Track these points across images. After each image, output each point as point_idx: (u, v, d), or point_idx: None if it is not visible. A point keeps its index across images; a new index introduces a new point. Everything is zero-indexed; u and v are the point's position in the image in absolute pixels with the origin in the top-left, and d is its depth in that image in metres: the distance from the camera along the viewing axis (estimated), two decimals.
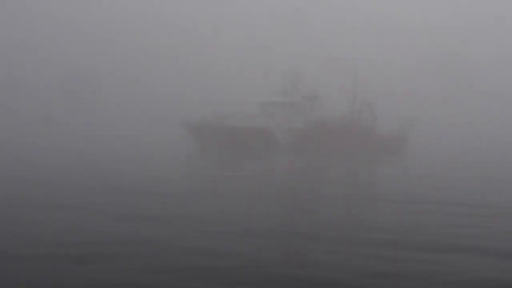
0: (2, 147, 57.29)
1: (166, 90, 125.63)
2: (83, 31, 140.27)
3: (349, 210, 19.11)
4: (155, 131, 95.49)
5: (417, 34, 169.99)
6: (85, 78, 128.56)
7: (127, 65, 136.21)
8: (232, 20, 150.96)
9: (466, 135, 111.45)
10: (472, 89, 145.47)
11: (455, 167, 42.56)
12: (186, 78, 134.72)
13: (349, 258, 12.13)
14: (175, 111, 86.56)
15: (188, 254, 12.18)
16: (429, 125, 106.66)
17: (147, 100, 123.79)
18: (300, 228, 15.37)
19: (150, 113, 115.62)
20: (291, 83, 68.22)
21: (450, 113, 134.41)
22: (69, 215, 16.62)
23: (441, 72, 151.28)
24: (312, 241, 13.79)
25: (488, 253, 12.94)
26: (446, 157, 55.79)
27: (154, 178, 28.15)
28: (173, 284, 10.11)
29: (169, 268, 11.08)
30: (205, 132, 65.83)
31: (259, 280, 10.35)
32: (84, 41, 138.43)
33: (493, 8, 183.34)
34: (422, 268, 11.47)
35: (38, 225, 15.04)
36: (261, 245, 13.08)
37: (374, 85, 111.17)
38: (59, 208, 17.66)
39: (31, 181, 25.63)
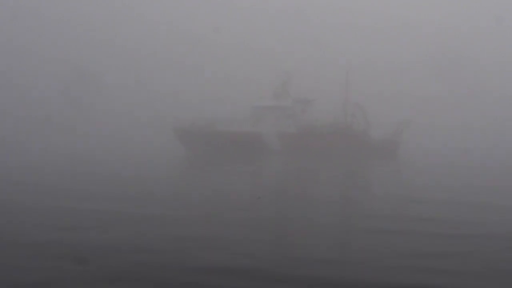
0: None
1: (164, 91, 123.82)
2: (83, 31, 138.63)
3: (302, 233, 16.19)
4: (150, 133, 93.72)
5: (417, 34, 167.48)
6: (85, 78, 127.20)
7: (126, 66, 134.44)
8: (232, 20, 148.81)
9: (467, 139, 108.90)
10: (475, 91, 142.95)
11: (448, 174, 39.90)
12: (185, 79, 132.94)
13: None
14: (172, 113, 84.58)
15: None
16: (427, 128, 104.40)
17: (145, 101, 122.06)
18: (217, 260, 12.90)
19: (148, 114, 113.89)
20: (282, 87, 66.22)
21: (450, 115, 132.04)
22: None
23: (442, 72, 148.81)
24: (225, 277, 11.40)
25: None
26: (440, 163, 53.39)
27: (124, 189, 25.75)
28: None
29: None
30: (194, 137, 64.06)
31: None
32: (84, 41, 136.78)
33: (494, 8, 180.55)
34: None
35: None
36: None
37: (370, 87, 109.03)
38: None
39: None
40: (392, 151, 64.21)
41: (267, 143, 63.84)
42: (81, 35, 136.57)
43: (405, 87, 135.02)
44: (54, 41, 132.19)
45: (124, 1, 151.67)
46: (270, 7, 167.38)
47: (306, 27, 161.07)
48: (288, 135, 63.99)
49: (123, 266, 11.77)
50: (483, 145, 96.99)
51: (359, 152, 61.22)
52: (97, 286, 10.52)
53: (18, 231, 15.06)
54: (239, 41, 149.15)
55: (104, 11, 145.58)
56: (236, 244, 14.09)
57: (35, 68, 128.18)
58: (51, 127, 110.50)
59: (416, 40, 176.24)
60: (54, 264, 11.83)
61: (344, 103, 65.86)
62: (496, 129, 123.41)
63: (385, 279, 11.07)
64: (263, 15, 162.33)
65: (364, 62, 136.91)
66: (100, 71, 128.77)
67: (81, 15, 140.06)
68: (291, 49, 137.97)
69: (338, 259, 12.81)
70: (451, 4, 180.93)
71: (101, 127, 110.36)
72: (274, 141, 63.93)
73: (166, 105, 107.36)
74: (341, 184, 30.95)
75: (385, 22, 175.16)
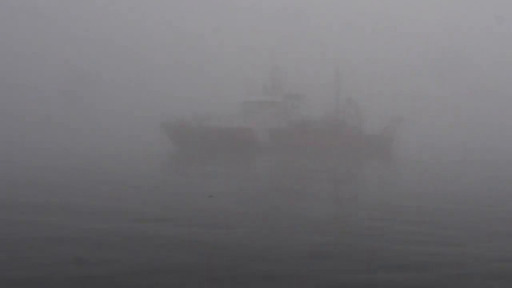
0: None
1: (163, 90, 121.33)
2: (83, 31, 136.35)
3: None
4: (147, 132, 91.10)
5: (417, 34, 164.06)
6: (84, 78, 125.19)
7: (125, 66, 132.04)
8: (231, 20, 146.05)
9: (462, 137, 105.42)
10: (474, 90, 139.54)
11: (439, 174, 36.12)
12: (184, 78, 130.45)
13: None
14: (169, 111, 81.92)
15: None
16: (426, 127, 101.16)
17: (144, 100, 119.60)
18: None
19: (146, 113, 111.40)
20: (273, 82, 63.19)
21: (449, 115, 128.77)
22: None
23: (442, 72, 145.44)
24: None
25: None
26: (434, 162, 49.68)
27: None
28: None
29: None
30: (183, 133, 61.01)
31: None
32: (84, 41, 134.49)
33: (494, 8, 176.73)
34: None
35: None
36: None
37: (370, 86, 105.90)
38: None
39: None
40: (385, 148, 61.14)
41: (258, 139, 60.71)
42: (81, 35, 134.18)
43: (404, 86, 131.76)
44: (54, 41, 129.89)
45: (124, 2, 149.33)
46: (270, 7, 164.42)
47: (305, 27, 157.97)
48: (279, 131, 60.87)
49: None
50: (483, 144, 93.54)
51: (351, 149, 58.10)
52: None
53: None
54: (238, 40, 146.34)
55: (104, 11, 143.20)
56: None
57: (35, 68, 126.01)
58: (51, 127, 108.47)
59: (416, 40, 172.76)
60: None
61: (335, 98, 62.86)
62: (495, 128, 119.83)
63: None
64: (263, 15, 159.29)
65: (364, 61, 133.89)
66: (99, 71, 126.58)
67: (81, 15, 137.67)
68: (290, 49, 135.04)
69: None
70: (451, 4, 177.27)
71: (100, 127, 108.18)
72: (265, 137, 60.79)
73: (165, 104, 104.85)
74: (315, 186, 27.26)
75: (385, 22, 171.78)
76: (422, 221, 15.28)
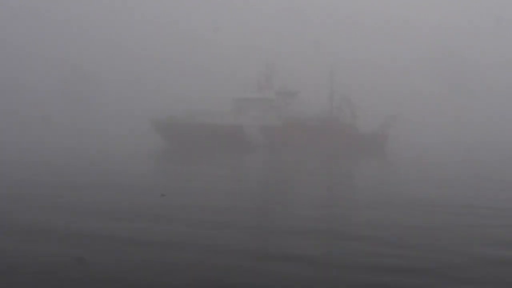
0: None
1: (161, 90, 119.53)
2: (83, 31, 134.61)
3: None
4: (140, 129, 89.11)
5: (417, 34, 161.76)
6: (84, 78, 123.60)
7: (125, 65, 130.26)
8: (231, 20, 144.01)
9: (458, 135, 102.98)
10: (470, 89, 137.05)
11: (436, 175, 33.22)
12: (184, 78, 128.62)
13: None
14: (162, 109, 80.00)
15: None
16: (419, 124, 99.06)
17: (142, 99, 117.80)
18: None
19: (143, 112, 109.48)
20: (265, 79, 60.72)
21: (445, 113, 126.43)
22: None
23: (440, 71, 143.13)
24: None
25: None
26: (430, 161, 46.99)
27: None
28: None
29: None
30: (173, 130, 58.67)
31: None
32: (84, 41, 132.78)
33: (494, 8, 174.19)
34: None
35: None
36: None
37: (369, 85, 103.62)
38: None
39: None
40: (379, 145, 58.54)
41: (249, 136, 58.25)
42: (80, 35, 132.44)
43: (402, 85, 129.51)
44: (54, 41, 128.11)
45: (124, 2, 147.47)
46: (270, 7, 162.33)
47: (305, 27, 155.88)
48: (272, 128, 58.38)
49: None
50: (482, 143, 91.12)
51: (345, 146, 55.55)
52: None
53: None
54: (238, 40, 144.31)
55: (104, 12, 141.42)
56: None
57: (35, 67, 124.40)
58: (50, 126, 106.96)
59: (416, 40, 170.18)
60: None
61: (330, 96, 60.40)
62: (494, 127, 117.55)
63: None
64: (263, 15, 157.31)
65: (362, 60, 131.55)
66: (99, 70, 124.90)
67: (81, 15, 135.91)
68: (289, 48, 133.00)
69: None
70: (451, 4, 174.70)
71: (99, 126, 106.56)
72: (257, 134, 58.31)
73: (161, 102, 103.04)
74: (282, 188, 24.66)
75: (385, 22, 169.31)
76: (395, 236, 12.85)
